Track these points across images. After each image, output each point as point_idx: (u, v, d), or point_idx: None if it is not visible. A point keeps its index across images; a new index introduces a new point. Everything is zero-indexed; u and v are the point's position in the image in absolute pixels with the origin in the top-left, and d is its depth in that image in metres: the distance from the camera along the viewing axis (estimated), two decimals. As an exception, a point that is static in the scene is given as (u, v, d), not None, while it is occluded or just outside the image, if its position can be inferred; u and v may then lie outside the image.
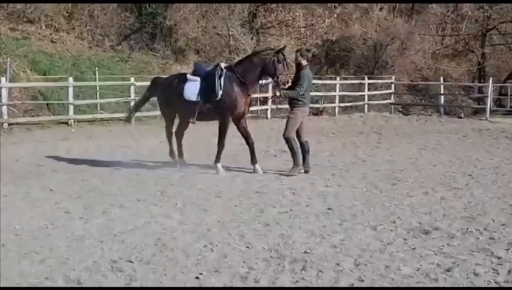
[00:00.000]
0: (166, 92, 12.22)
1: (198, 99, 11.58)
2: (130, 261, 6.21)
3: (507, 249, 6.67)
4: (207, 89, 11.51)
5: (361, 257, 6.42)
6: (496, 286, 5.62)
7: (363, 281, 5.70)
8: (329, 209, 8.58)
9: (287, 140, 11.64)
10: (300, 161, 11.68)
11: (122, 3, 28.73)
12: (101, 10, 27.69)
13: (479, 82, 36.38)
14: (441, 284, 5.60)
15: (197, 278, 5.75)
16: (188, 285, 5.61)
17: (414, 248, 6.74)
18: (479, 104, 31.73)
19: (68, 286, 5.58)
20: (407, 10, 40.91)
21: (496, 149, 16.11)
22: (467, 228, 7.57)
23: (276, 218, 8.05)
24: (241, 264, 6.17)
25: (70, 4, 26.97)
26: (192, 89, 11.64)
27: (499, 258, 6.36)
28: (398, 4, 39.57)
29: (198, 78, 11.73)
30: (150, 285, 5.59)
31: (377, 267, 6.07)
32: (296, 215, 8.24)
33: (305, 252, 6.56)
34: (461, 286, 5.59)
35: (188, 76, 11.99)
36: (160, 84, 12.75)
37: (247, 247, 6.74)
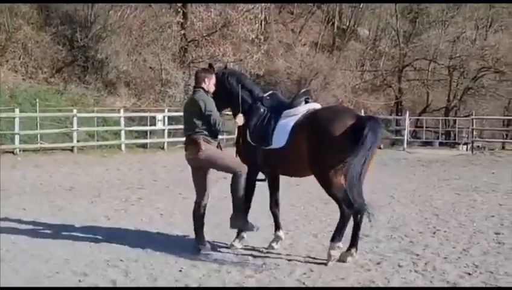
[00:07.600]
0: None
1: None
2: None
3: (423, 249, 8.16)
4: None
5: (312, 250, 7.99)
6: (415, 273, 7.04)
7: (312, 271, 7.01)
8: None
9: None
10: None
11: (56, 37, 29.52)
12: (34, 43, 28.33)
13: (397, 115, 38.84)
14: (373, 273, 6.96)
15: None
16: None
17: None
18: (396, 136, 33.87)
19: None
20: (328, 46, 43.31)
21: (413, 175, 17.95)
22: (391, 235, 9.04)
23: None
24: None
25: (4, 36, 27.49)
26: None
27: (417, 255, 7.84)
28: (319, 40, 41.88)
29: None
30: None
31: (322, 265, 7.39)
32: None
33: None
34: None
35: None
36: None
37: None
